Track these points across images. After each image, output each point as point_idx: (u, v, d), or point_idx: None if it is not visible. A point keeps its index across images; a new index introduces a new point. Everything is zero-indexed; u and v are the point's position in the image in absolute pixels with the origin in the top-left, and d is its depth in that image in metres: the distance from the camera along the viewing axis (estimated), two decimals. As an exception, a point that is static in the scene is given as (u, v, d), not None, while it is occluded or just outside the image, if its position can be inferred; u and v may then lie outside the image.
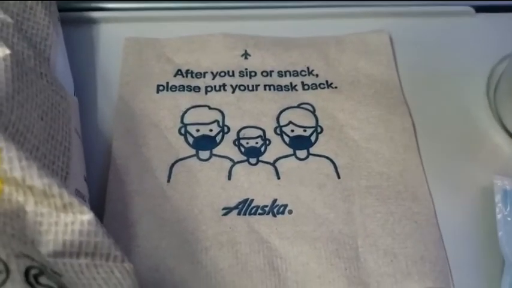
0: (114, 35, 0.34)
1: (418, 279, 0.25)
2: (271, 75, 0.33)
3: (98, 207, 0.26)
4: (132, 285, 0.20)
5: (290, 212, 0.27)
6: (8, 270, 0.16)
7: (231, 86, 0.32)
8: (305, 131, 0.31)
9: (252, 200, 0.28)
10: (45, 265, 0.17)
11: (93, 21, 0.35)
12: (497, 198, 0.28)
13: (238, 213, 0.27)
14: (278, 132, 0.30)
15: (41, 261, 0.17)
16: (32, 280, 0.16)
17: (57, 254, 0.19)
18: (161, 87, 0.32)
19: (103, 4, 0.36)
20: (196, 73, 0.33)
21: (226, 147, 0.30)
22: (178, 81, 0.32)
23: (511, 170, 0.30)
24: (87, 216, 0.19)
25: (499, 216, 0.27)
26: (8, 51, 0.22)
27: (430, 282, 0.25)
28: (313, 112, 0.31)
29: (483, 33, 0.36)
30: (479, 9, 0.38)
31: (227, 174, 0.29)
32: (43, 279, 0.16)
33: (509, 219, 0.27)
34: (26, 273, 0.16)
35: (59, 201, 0.19)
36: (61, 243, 0.19)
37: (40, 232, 0.19)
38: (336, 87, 0.32)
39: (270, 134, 0.30)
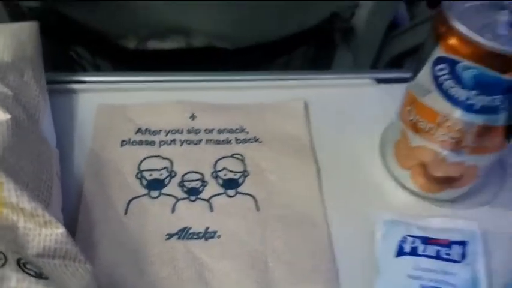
0: (89, 102, 0.43)
1: (311, 284, 0.34)
2: (212, 132, 0.42)
3: (70, 231, 0.34)
4: (90, 279, 0.28)
5: (219, 236, 0.36)
6: (6, 258, 0.24)
7: (180, 140, 0.41)
8: (235, 175, 0.40)
9: (190, 228, 0.36)
10: (30, 260, 0.26)
11: (73, 91, 0.44)
12: (378, 225, 0.37)
13: (178, 238, 0.36)
14: (214, 176, 0.39)
15: (27, 258, 0.26)
16: (22, 266, 0.24)
17: (39, 255, 0.27)
18: (124, 142, 0.41)
19: (82, 78, 0.45)
20: (153, 131, 0.42)
21: (172, 188, 0.38)
22: (138, 137, 0.41)
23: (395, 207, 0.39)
24: (60, 230, 0.28)
25: (377, 236, 0.36)
26: (8, 116, 0.32)
27: (321, 285, 0.34)
28: (243, 160, 0.41)
29: (382, 100, 0.46)
30: (380, 81, 0.48)
31: (171, 208, 0.37)
32: (29, 266, 0.25)
33: (384, 241, 0.36)
34: (18, 261, 0.25)
35: (42, 219, 0.28)
36: (42, 248, 0.27)
37: (28, 241, 0.27)
38: (261, 142, 0.42)
39: (208, 177, 0.39)
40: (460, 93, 0.32)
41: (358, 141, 0.43)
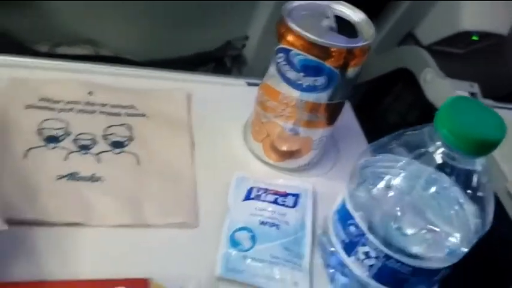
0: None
1: (175, 216, 0.43)
2: (105, 106, 0.51)
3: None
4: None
5: (103, 181, 0.44)
6: None
7: (77, 110, 0.49)
8: (122, 138, 0.48)
9: (78, 173, 0.44)
10: None
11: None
12: (232, 179, 0.47)
13: (67, 179, 0.43)
14: (104, 138, 0.48)
15: None
16: None
17: None
18: (28, 106, 0.48)
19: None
20: (54, 100, 0.49)
21: (67, 143, 0.46)
22: (41, 104, 0.49)
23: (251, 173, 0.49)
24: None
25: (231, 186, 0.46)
26: None
27: (182, 218, 0.43)
28: (130, 129, 0.49)
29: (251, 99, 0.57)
30: (250, 84, 0.59)
31: (64, 157, 0.45)
32: None
33: (235, 190, 0.46)
34: None
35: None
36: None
37: None
38: (147, 117, 0.51)
39: (98, 138, 0.47)
40: (293, 75, 0.43)
41: (230, 126, 0.54)
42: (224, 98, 0.57)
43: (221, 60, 0.91)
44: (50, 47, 0.80)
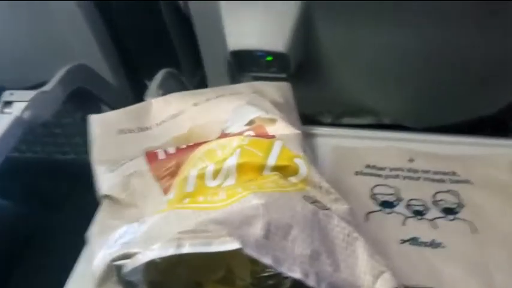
0: (327, 144, 0.55)
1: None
2: (428, 173, 0.51)
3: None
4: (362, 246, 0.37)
5: (443, 247, 0.44)
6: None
7: (402, 176, 0.51)
8: (452, 205, 0.48)
9: (419, 238, 0.45)
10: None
11: (310, 135, 0.57)
12: None
13: (410, 244, 0.44)
14: (434, 204, 0.48)
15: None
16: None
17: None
18: (357, 173, 0.52)
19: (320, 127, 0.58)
20: (379, 167, 0.52)
21: (401, 208, 0.47)
22: (368, 170, 0.52)
23: None
24: (346, 206, 0.38)
25: None
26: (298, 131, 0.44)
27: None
28: (458, 196, 0.48)
29: None
30: None
31: (402, 222, 0.46)
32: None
33: None
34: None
35: (333, 196, 0.38)
36: (334, 214, 0.38)
37: (324, 209, 0.38)
38: (472, 183, 0.50)
39: (429, 204, 0.48)
40: None
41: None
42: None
43: (502, 124, 0.85)
44: (334, 118, 0.87)
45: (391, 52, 0.74)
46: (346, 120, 0.85)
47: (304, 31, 0.72)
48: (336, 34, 0.73)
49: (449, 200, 0.48)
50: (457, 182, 0.50)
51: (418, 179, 0.51)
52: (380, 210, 0.47)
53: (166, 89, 0.67)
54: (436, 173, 0.51)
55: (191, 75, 1.10)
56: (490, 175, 0.51)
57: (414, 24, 0.67)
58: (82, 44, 0.89)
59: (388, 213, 0.47)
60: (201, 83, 0.88)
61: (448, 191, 0.49)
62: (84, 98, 0.94)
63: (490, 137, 0.56)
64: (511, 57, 0.74)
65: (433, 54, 0.73)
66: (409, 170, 0.52)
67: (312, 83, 0.83)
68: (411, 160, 0.53)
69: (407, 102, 0.84)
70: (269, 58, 0.73)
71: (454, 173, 0.51)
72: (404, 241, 0.44)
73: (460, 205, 0.48)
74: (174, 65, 0.88)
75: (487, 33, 0.67)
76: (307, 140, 0.55)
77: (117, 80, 0.99)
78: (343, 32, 0.72)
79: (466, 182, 0.50)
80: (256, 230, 0.32)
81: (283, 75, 0.76)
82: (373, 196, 0.49)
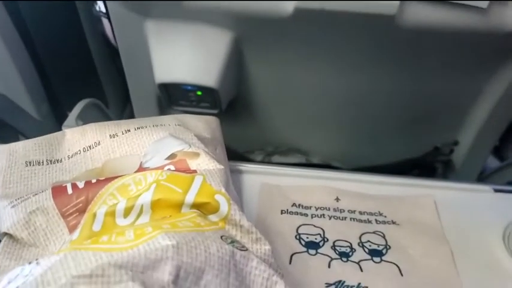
0: (253, 181, 0.53)
1: None
2: (354, 213, 0.50)
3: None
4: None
5: (367, 291, 0.42)
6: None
7: (328, 215, 0.49)
8: (379, 246, 0.46)
9: (344, 281, 0.42)
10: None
11: (240, 171, 0.55)
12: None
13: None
14: (360, 245, 0.46)
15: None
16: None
17: (253, 261, 0.35)
18: (283, 211, 0.49)
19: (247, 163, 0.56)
20: (305, 206, 0.50)
21: (326, 250, 0.45)
22: (294, 209, 0.50)
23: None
24: (267, 247, 0.36)
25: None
26: (221, 167, 0.42)
27: None
28: (383, 237, 0.47)
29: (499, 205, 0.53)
30: (497, 190, 0.55)
31: (327, 264, 0.44)
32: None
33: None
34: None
35: (254, 236, 0.36)
36: (254, 256, 0.35)
37: (243, 250, 0.35)
38: (398, 224, 0.49)
39: (355, 246, 0.46)
40: None
41: (485, 234, 0.49)
42: (470, 204, 0.53)
43: (427, 166, 0.87)
44: (264, 156, 0.86)
45: (322, 93, 0.75)
46: (276, 158, 0.84)
47: (236, 67, 0.71)
48: (267, 72, 0.73)
49: (376, 242, 0.47)
50: (383, 222, 0.49)
51: (344, 218, 0.49)
52: (305, 251, 0.45)
53: (89, 120, 0.63)
54: (362, 213, 0.50)
55: (120, 109, 1.06)
56: (416, 216, 0.50)
57: (345, 65, 0.68)
58: (4, 76, 0.84)
59: (313, 254, 0.45)
60: (131, 117, 0.84)
61: (374, 232, 0.48)
62: (1, 129, 0.88)
63: (415, 177, 0.56)
64: (436, 103, 0.77)
65: (364, 96, 0.74)
66: (335, 210, 0.50)
67: (244, 121, 0.82)
68: (337, 199, 0.52)
69: (336, 142, 0.84)
70: (199, 93, 0.71)
71: (380, 213, 0.50)
72: (329, 285, 0.42)
73: (387, 246, 0.46)
74: (100, 97, 0.84)
75: (415, 75, 0.69)
76: (235, 177, 0.53)
77: (40, 112, 0.93)
78: (274, 71, 0.72)
79: (392, 222, 0.49)
80: (164, 274, 0.28)
81: (215, 111, 0.74)
82: (298, 236, 0.47)
